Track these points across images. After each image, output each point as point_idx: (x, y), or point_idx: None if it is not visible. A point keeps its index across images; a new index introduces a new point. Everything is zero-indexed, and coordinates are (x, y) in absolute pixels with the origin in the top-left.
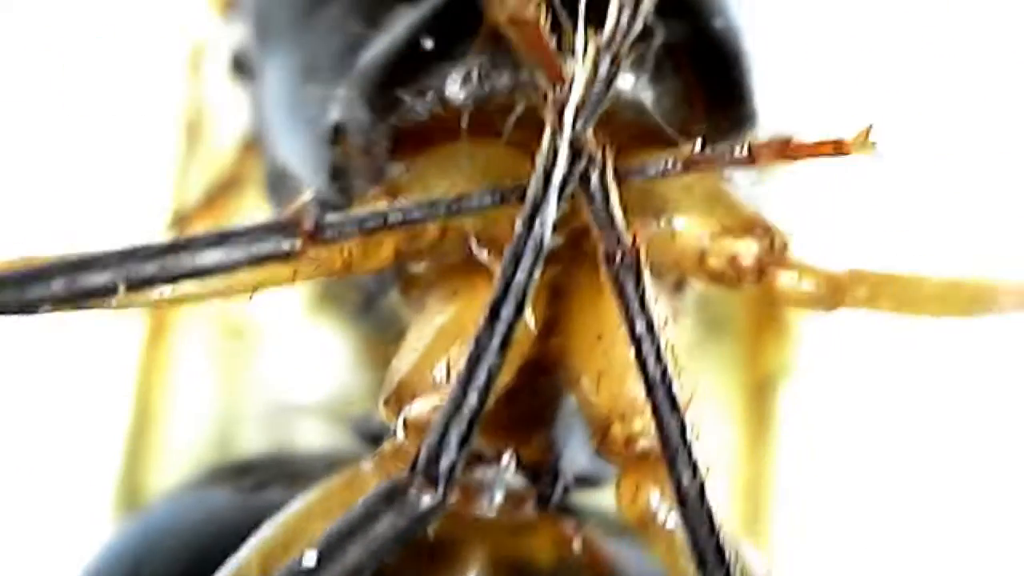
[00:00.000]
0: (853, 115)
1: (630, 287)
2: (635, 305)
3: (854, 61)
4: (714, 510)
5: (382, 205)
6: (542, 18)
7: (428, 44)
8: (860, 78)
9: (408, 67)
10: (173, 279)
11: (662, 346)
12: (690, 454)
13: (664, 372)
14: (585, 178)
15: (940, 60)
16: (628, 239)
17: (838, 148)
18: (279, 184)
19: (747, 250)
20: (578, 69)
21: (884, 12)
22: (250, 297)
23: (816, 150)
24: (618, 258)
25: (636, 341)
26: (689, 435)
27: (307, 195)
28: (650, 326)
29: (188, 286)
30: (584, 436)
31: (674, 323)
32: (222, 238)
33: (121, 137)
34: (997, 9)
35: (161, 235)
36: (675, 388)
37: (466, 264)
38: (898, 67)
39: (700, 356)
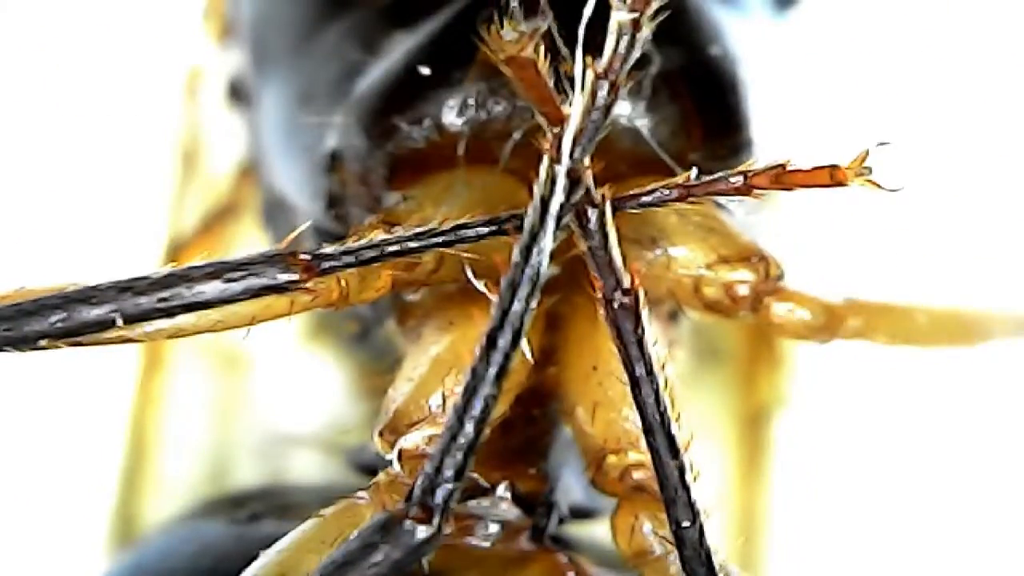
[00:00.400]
0: (848, 142)
1: (629, 329)
2: (634, 348)
3: (850, 87)
4: (713, 552)
5: (379, 235)
6: (540, 58)
7: (424, 72)
8: (856, 104)
9: (404, 95)
10: (170, 312)
11: (661, 388)
12: (689, 497)
13: (663, 415)
14: (583, 208)
15: (933, 88)
16: (627, 282)
17: (833, 175)
18: (276, 211)
19: (742, 279)
20: (576, 98)
21: (878, 39)
22: (247, 329)
23: (812, 177)
24: (617, 301)
25: (635, 384)
26: (688, 478)
27: (303, 226)
28: (649, 369)
29: (185, 318)
30: (579, 467)
31: (670, 353)
32: (219, 270)
33: (117, 164)
34: (991, 33)
35: (157, 263)
36: (674, 430)
37: (462, 294)
38: (894, 94)
39: (695, 385)
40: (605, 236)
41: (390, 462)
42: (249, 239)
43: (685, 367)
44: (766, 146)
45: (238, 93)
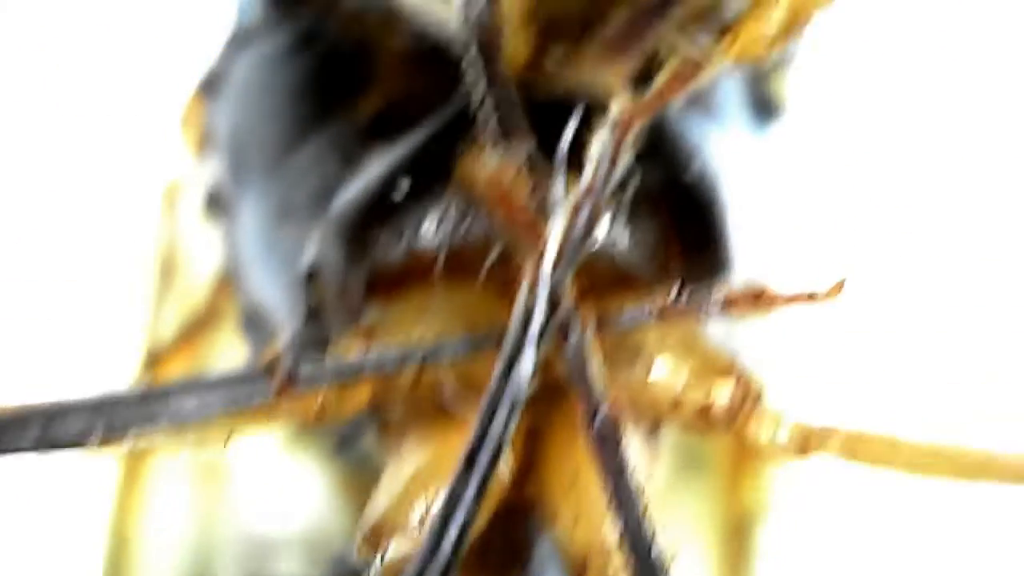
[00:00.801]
0: (828, 260)
1: (609, 452)
2: (615, 471)
3: (831, 207)
4: None
5: (357, 353)
6: (520, 184)
7: (403, 186)
8: (836, 224)
9: (383, 210)
10: (147, 427)
11: (642, 511)
12: None
13: (644, 537)
14: (563, 332)
15: (915, 205)
16: (607, 405)
17: (812, 300)
18: (254, 322)
19: (721, 397)
20: (556, 221)
21: (860, 153)
22: (224, 443)
23: (791, 301)
24: (597, 424)
25: (616, 506)
26: None
27: (281, 343)
28: (630, 491)
29: (162, 435)
30: None
31: (651, 469)
32: (196, 388)
33: (95, 274)
34: (977, 152)
35: (135, 374)
36: (655, 553)
37: (442, 409)
38: (874, 208)
39: (678, 492)
40: (585, 360)
41: None
42: (228, 349)
43: (668, 475)
44: (746, 263)
45: (216, 204)
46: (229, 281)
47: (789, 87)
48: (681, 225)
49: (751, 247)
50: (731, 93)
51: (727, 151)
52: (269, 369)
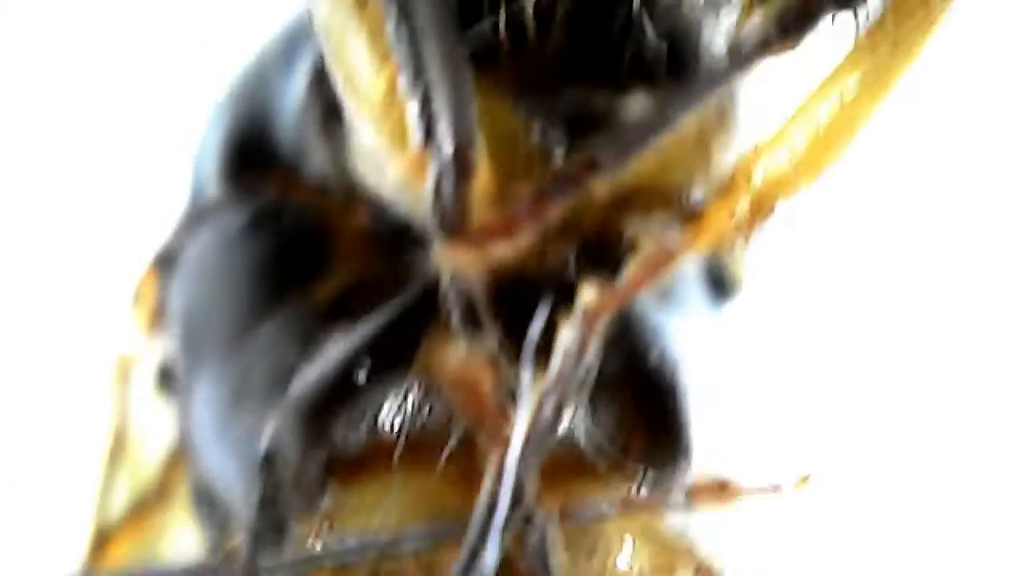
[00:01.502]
0: (792, 451)
1: None
2: None
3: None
4: None
5: (315, 545)
6: (487, 382)
7: (362, 373)
8: (803, 414)
9: (342, 394)
10: None
11: None
12: None
13: None
14: (522, 528)
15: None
16: None
17: (775, 494)
18: (207, 502)
19: None
20: (521, 415)
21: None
22: None
23: (753, 495)
24: None
25: None
26: None
27: (238, 531)
28: None
29: None
30: None
31: None
32: None
33: (43, 452)
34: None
35: (84, 552)
36: None
37: None
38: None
39: None
40: (547, 552)
41: None
42: (179, 529)
43: None
44: (707, 450)
45: (169, 380)
46: (181, 458)
47: (745, 264)
48: (642, 412)
49: (712, 432)
50: (687, 274)
51: (686, 335)
52: (223, 564)
